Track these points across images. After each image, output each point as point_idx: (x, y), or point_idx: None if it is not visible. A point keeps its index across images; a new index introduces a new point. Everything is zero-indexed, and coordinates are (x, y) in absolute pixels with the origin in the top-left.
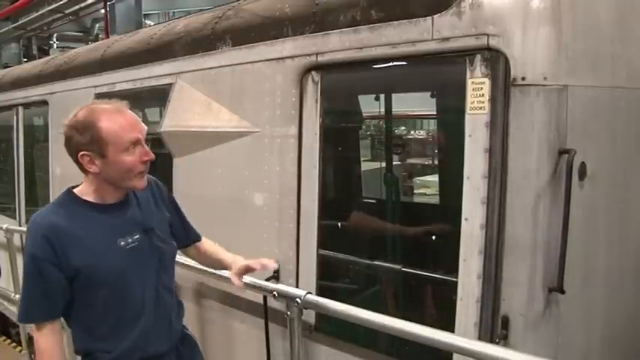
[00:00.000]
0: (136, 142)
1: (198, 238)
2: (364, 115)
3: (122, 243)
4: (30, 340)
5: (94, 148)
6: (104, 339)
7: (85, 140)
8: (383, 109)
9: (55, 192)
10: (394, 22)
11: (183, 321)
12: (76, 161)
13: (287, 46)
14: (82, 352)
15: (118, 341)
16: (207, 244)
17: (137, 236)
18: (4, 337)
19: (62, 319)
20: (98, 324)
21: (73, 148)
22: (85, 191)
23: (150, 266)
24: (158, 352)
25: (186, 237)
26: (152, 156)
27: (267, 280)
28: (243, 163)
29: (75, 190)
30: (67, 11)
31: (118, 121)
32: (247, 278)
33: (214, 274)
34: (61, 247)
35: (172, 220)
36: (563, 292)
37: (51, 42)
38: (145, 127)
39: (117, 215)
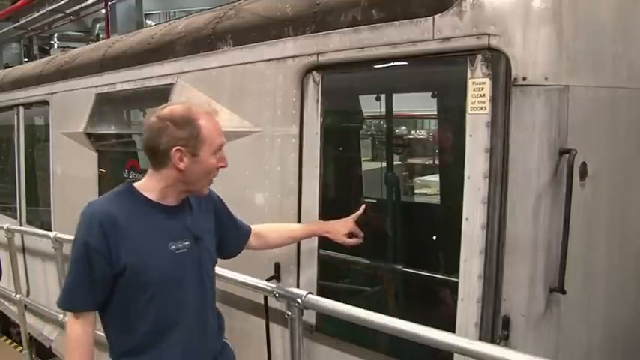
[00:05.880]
0: (221, 146)
1: (250, 229)
2: (365, 115)
3: (172, 247)
4: (30, 339)
5: (190, 145)
6: (140, 342)
7: (183, 135)
8: (384, 109)
9: (56, 192)
10: (395, 22)
11: (224, 333)
12: (161, 154)
13: (288, 46)
14: (117, 356)
15: (153, 346)
16: (264, 227)
17: (187, 243)
18: (4, 337)
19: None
20: (135, 326)
21: (165, 140)
22: (148, 187)
23: (195, 274)
24: None
25: (244, 234)
26: (227, 164)
27: (268, 280)
28: (244, 163)
29: (135, 185)
30: (67, 11)
31: (213, 124)
32: (247, 278)
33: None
34: (114, 240)
35: (227, 224)
36: (564, 292)
37: (52, 42)
38: None
39: (172, 218)
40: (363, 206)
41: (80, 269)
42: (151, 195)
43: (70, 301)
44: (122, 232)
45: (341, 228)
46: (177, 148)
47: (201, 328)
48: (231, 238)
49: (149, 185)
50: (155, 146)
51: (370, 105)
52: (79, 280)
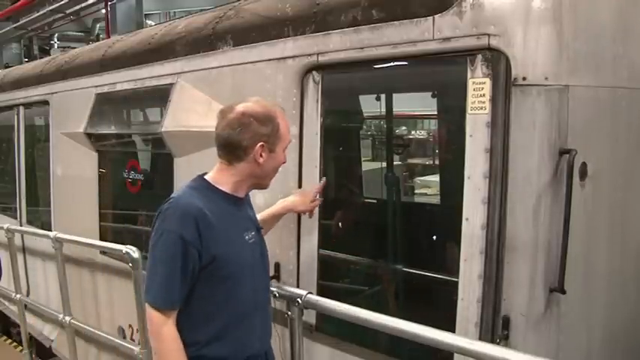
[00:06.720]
0: (289, 143)
1: None
2: (365, 115)
3: (247, 237)
4: (30, 339)
5: (271, 141)
6: (213, 334)
7: (266, 131)
8: (384, 109)
9: (56, 192)
10: (395, 22)
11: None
12: (243, 149)
13: (288, 46)
14: (188, 349)
15: (226, 337)
16: None
17: (253, 233)
18: (4, 337)
19: None
20: (212, 317)
21: (248, 136)
22: (220, 181)
23: (262, 263)
24: (253, 353)
25: None
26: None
27: None
28: None
29: (207, 178)
30: (68, 11)
31: (286, 122)
32: None
33: None
34: (205, 234)
35: None
36: (564, 292)
37: (52, 42)
38: None
39: (241, 209)
40: (324, 179)
41: (176, 264)
42: (225, 188)
43: (166, 299)
44: (210, 224)
45: (300, 205)
46: (261, 143)
47: (265, 315)
48: None
49: (221, 179)
50: (237, 141)
51: (370, 105)
52: (175, 275)
